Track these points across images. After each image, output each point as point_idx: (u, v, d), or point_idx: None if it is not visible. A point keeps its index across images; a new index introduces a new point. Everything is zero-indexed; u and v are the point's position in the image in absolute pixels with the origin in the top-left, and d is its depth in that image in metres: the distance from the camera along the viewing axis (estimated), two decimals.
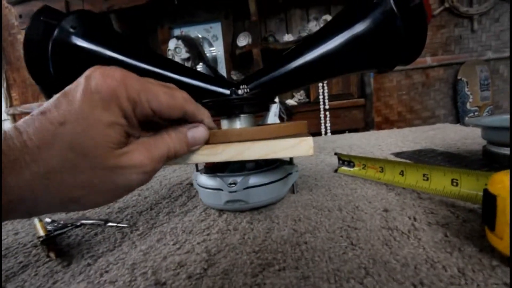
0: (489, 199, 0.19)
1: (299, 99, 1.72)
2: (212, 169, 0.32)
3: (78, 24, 0.29)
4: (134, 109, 0.17)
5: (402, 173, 0.33)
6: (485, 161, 0.40)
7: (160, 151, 0.19)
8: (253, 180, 0.29)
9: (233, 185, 0.29)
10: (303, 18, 1.79)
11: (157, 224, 0.30)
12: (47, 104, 0.16)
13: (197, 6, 1.74)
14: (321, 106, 1.58)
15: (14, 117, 2.21)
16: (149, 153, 0.18)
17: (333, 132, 1.59)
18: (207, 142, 0.26)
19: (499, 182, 0.18)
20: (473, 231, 0.22)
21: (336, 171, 0.44)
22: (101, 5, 1.57)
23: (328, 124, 1.60)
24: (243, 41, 1.67)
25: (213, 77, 0.35)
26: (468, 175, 0.27)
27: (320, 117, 1.60)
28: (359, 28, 0.32)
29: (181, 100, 0.20)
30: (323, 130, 1.61)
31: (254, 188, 0.29)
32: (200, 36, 1.83)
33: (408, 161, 0.46)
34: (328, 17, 1.57)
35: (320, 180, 0.40)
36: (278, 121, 1.36)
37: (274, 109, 1.32)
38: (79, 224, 0.32)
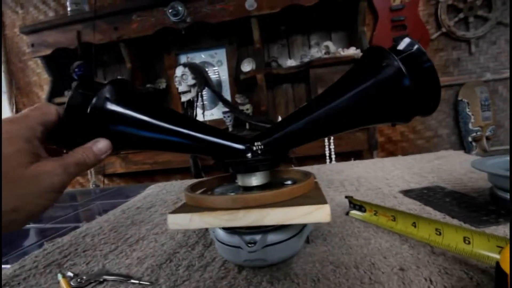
0: (501, 275, 0.20)
1: None
2: None
3: (112, 93, 0.31)
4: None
5: (414, 225, 0.34)
6: (493, 206, 0.41)
7: (69, 160, 0.24)
8: (271, 237, 0.30)
9: (252, 244, 0.30)
10: (304, 44, 1.85)
11: (179, 282, 0.31)
12: None
13: (202, 33, 1.81)
14: None
15: None
16: (60, 162, 0.24)
17: (337, 154, 1.60)
18: (229, 207, 0.27)
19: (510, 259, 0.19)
20: None
21: (347, 213, 0.45)
22: (111, 35, 1.63)
23: (332, 147, 1.61)
24: (247, 66, 1.72)
25: (229, 133, 0.37)
26: (479, 234, 0.28)
27: (324, 140, 1.62)
28: (370, 87, 0.34)
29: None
30: (327, 152, 1.62)
31: (272, 246, 0.30)
32: (204, 56, 1.90)
33: (418, 202, 0.47)
34: (329, 43, 1.62)
35: (333, 225, 0.41)
36: None
37: None
38: (102, 280, 0.33)
